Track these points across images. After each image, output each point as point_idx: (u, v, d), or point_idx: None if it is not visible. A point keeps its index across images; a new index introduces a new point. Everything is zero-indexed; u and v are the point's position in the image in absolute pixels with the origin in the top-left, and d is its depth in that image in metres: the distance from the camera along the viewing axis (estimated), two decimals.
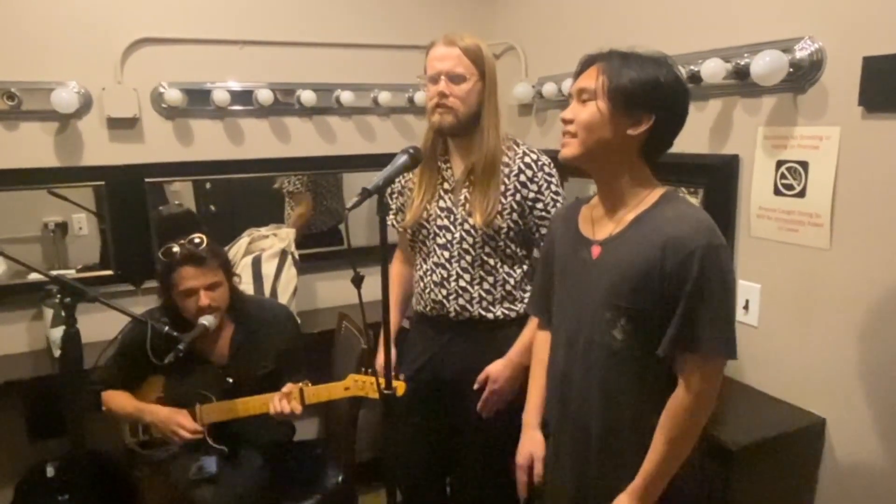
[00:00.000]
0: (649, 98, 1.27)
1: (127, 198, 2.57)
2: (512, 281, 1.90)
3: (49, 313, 2.39)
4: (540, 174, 1.85)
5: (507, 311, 1.90)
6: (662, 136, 1.33)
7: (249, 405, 1.99)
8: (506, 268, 1.89)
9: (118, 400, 2.02)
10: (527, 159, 1.85)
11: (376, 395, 1.57)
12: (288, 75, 2.77)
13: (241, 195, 2.88)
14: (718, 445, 1.64)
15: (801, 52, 1.75)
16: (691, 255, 1.23)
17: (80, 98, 2.41)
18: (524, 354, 1.82)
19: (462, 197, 1.86)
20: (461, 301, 1.88)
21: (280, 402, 1.93)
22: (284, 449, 2.24)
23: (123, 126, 2.54)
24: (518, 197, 1.84)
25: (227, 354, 2.07)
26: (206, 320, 1.93)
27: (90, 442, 2.20)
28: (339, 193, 3.04)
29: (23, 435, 2.42)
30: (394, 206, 2.02)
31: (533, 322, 1.79)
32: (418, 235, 1.95)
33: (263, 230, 2.69)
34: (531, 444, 1.58)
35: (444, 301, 1.90)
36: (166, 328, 1.83)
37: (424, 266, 1.94)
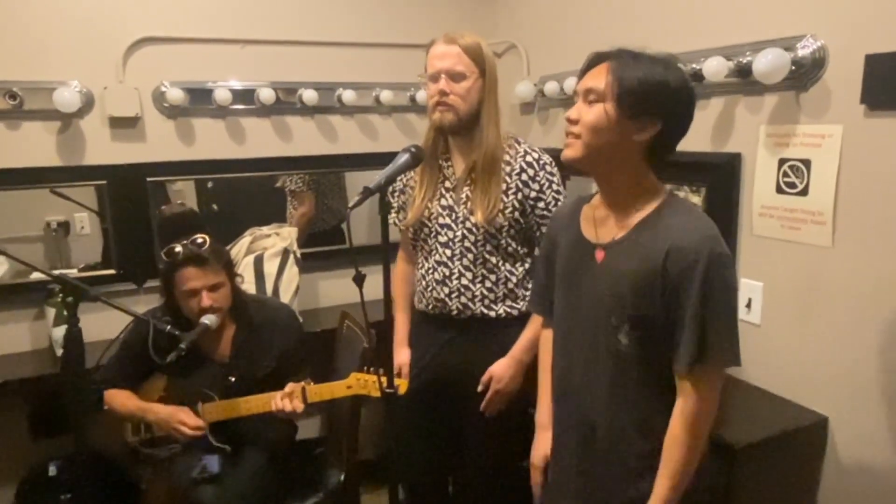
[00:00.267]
0: (658, 104, 1.25)
1: (129, 197, 2.57)
2: (514, 279, 1.89)
3: (51, 312, 2.39)
4: (542, 173, 1.85)
5: (508, 310, 1.90)
6: (667, 142, 1.31)
7: (251, 404, 1.99)
8: (507, 266, 1.89)
9: (120, 399, 2.02)
10: (528, 158, 1.85)
11: (378, 394, 1.57)
12: (290, 74, 2.77)
13: (242, 194, 2.88)
14: (721, 444, 1.63)
15: (804, 50, 1.75)
16: (695, 265, 1.22)
17: (82, 97, 2.41)
18: (527, 352, 1.82)
19: (463, 195, 1.86)
20: (463, 299, 1.88)
21: (282, 400, 1.94)
22: (286, 448, 2.24)
23: (125, 125, 2.54)
24: (520, 196, 1.84)
25: (230, 353, 2.07)
26: (208, 320, 1.93)
27: (92, 441, 2.20)
28: (341, 192, 3.04)
29: (25, 434, 2.42)
30: (395, 205, 2.02)
31: (536, 320, 1.79)
32: (420, 234, 1.95)
33: (265, 229, 2.70)
34: (546, 445, 1.57)
35: (446, 299, 1.90)
36: (168, 327, 1.83)
37: (426, 264, 1.94)
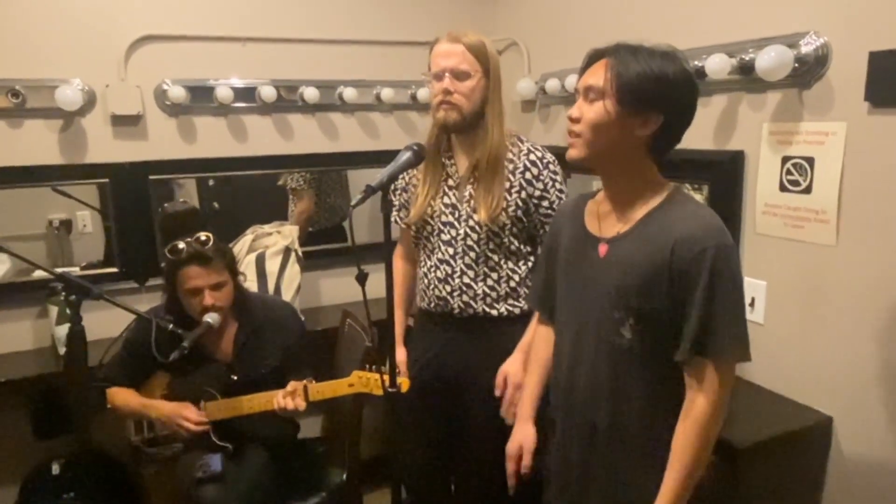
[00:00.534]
0: (658, 97, 1.24)
1: (131, 195, 2.57)
2: (516, 277, 1.89)
3: (54, 311, 2.39)
4: (545, 172, 1.84)
5: (510, 308, 1.89)
6: (671, 135, 1.31)
7: (254, 402, 1.99)
8: (510, 264, 1.89)
9: (123, 397, 2.02)
10: (532, 157, 1.85)
11: (380, 392, 1.57)
12: (291, 72, 2.76)
13: (244, 192, 2.88)
14: (725, 444, 1.62)
15: (807, 46, 1.74)
16: (702, 256, 1.21)
17: (84, 95, 2.41)
18: None
19: (467, 193, 1.86)
20: (465, 298, 1.88)
21: (284, 399, 1.93)
22: (289, 447, 2.24)
23: (127, 123, 2.54)
24: (523, 194, 1.83)
25: (232, 352, 2.07)
26: (211, 318, 1.93)
27: (95, 440, 2.21)
28: (343, 191, 3.03)
29: (28, 433, 2.42)
30: (397, 203, 2.02)
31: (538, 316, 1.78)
32: (422, 232, 1.94)
33: (267, 227, 2.69)
34: (522, 436, 1.60)
35: (449, 298, 1.89)
36: (171, 326, 1.83)
37: (428, 263, 1.94)
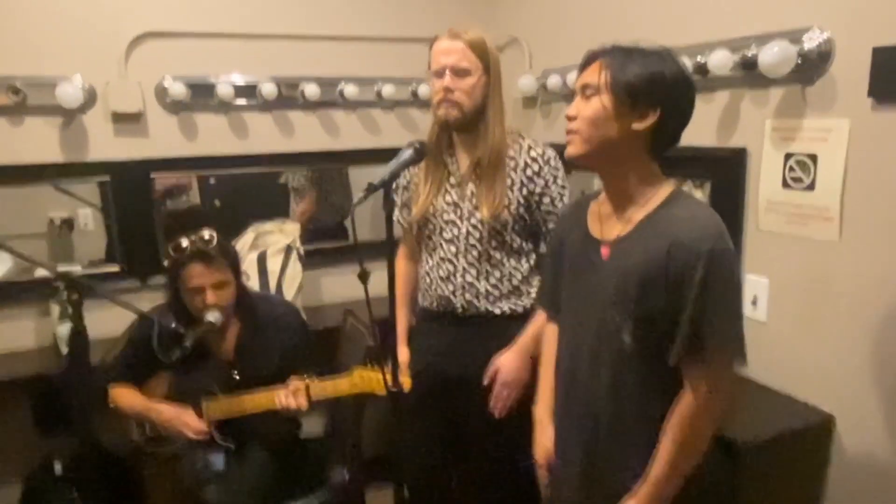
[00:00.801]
0: (654, 91, 1.25)
1: (132, 193, 2.57)
2: (519, 275, 1.89)
3: (56, 309, 2.39)
4: (546, 168, 1.84)
5: (513, 307, 1.89)
6: (669, 131, 1.31)
7: (256, 401, 1.98)
8: (512, 262, 1.88)
9: (125, 396, 2.02)
10: (533, 153, 1.84)
11: (383, 391, 1.57)
12: (291, 69, 2.76)
13: (245, 190, 2.88)
14: (726, 442, 1.63)
15: (810, 42, 1.73)
16: (696, 261, 1.21)
17: (85, 93, 2.41)
18: (532, 344, 1.80)
19: (468, 191, 1.86)
20: (468, 296, 1.88)
21: (286, 397, 1.93)
22: (290, 445, 2.24)
23: (128, 121, 2.54)
24: (525, 191, 1.83)
25: (234, 351, 2.07)
26: (213, 316, 1.93)
27: (98, 438, 2.21)
28: (344, 189, 3.03)
29: (30, 432, 2.43)
30: (399, 202, 2.01)
31: (540, 314, 1.78)
32: (424, 230, 1.94)
33: (268, 225, 2.69)
34: (545, 440, 1.57)
35: (451, 296, 1.89)
36: (173, 324, 1.82)
37: (430, 261, 1.93)
